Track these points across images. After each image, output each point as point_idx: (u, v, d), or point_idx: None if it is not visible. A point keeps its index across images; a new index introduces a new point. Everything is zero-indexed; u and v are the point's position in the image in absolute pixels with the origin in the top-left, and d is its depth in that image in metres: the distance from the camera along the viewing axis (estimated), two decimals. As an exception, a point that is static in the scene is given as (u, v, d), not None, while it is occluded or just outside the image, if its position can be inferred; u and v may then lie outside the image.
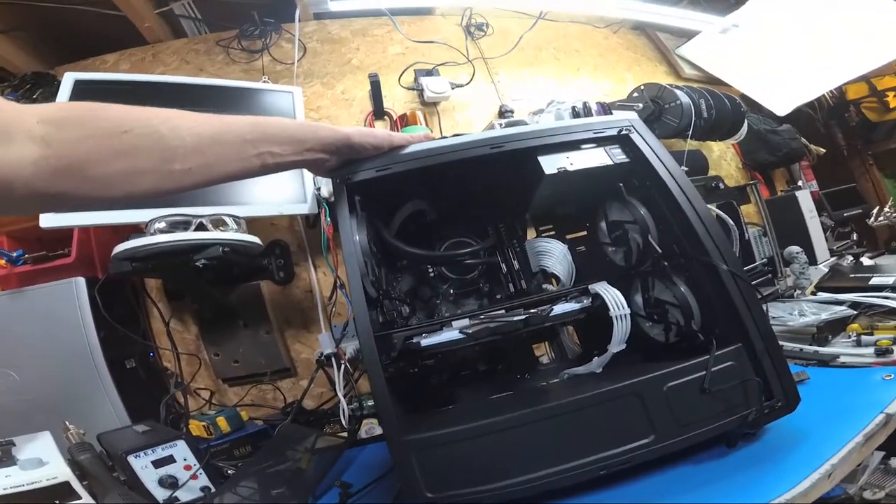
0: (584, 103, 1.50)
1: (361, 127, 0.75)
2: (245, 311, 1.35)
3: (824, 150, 2.45)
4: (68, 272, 1.15)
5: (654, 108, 1.78)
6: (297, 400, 1.30)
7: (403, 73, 1.64)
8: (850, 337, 1.05)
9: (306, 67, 1.65)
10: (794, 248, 1.53)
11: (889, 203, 2.11)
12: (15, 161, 0.40)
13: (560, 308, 0.75)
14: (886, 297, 1.15)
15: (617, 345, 0.71)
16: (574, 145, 0.80)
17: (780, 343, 0.82)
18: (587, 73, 2.07)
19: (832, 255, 1.90)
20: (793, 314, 1.15)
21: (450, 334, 0.72)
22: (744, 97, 2.33)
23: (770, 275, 1.55)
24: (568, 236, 1.02)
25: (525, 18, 1.95)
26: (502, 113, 1.71)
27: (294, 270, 1.42)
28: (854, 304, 1.20)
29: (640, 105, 1.78)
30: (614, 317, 0.71)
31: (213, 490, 0.89)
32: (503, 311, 0.75)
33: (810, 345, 1.06)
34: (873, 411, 0.73)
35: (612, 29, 2.21)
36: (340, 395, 1.20)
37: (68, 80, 1.15)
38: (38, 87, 1.44)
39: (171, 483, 0.86)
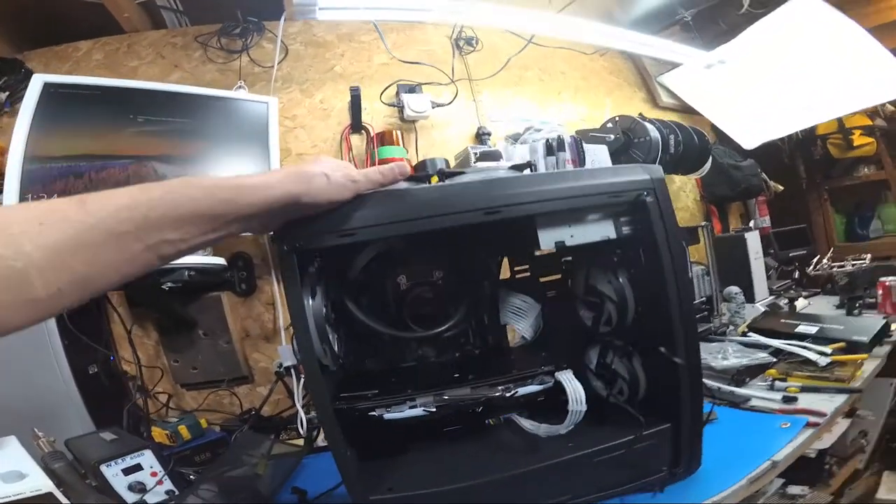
0: (559, 137, 1.54)
1: (319, 167, 0.56)
2: (205, 320, 1.37)
3: (782, 188, 2.54)
4: None
5: (625, 140, 1.83)
6: (256, 409, 1.34)
7: (386, 89, 1.64)
8: (765, 381, 1.16)
9: (286, 71, 1.62)
10: (734, 289, 1.65)
11: (828, 255, 2.24)
12: None
13: (523, 390, 0.77)
14: (804, 348, 1.27)
15: (565, 428, 0.75)
16: (580, 215, 0.75)
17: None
18: (568, 96, 2.10)
19: (771, 294, 2.02)
20: (717, 356, 1.24)
21: (413, 411, 0.75)
22: (714, 129, 2.42)
23: (707, 312, 1.64)
24: (543, 279, 0.99)
25: (515, 38, 1.95)
26: (479, 136, 1.73)
27: (256, 283, 1.44)
28: (777, 350, 1.31)
29: (612, 136, 1.83)
30: (571, 410, 0.74)
31: (177, 493, 0.94)
32: (468, 391, 0.77)
33: (728, 384, 1.16)
34: (763, 457, 0.84)
35: (599, 52, 2.23)
36: (299, 405, 1.26)
37: (37, 82, 1.12)
38: (3, 75, 1.39)
39: (139, 489, 0.92)
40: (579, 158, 1.54)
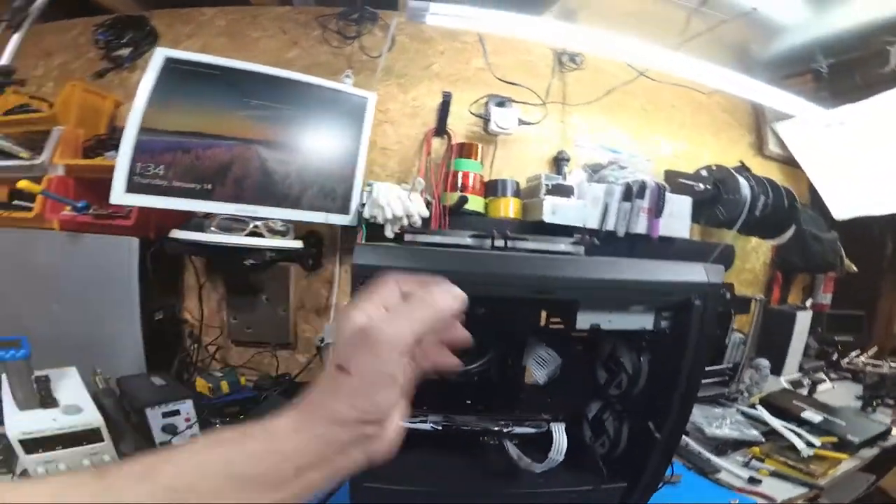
0: (641, 182, 1.49)
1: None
2: (270, 287, 1.50)
3: (856, 270, 2.33)
4: (127, 230, 1.29)
5: (714, 192, 1.75)
6: (291, 375, 1.48)
7: (476, 101, 1.65)
8: (745, 457, 1.21)
9: (389, 63, 1.67)
10: (763, 362, 1.65)
11: (870, 351, 2.11)
12: None
13: (519, 429, 0.87)
14: (797, 434, 1.30)
15: (540, 468, 0.83)
16: (624, 304, 0.78)
17: (686, 440, 1.17)
18: (670, 130, 1.99)
19: (799, 371, 1.93)
20: (713, 423, 1.29)
21: (424, 426, 0.85)
22: (810, 190, 2.24)
23: (728, 378, 1.63)
24: (575, 334, 0.99)
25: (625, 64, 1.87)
26: (558, 160, 1.71)
27: (322, 261, 1.55)
28: (772, 430, 1.34)
29: (701, 186, 1.75)
30: (550, 457, 0.81)
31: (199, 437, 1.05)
32: (474, 419, 0.87)
33: (710, 451, 1.21)
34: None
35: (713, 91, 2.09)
36: None
37: (159, 56, 1.22)
38: (129, 31, 1.52)
39: (171, 431, 1.06)
40: (657, 209, 1.49)
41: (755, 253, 2.25)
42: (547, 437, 0.84)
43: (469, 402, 0.96)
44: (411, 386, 0.40)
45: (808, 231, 2.14)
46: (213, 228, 1.19)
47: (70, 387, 1.03)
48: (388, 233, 1.28)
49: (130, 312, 1.27)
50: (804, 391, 1.74)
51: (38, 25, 1.72)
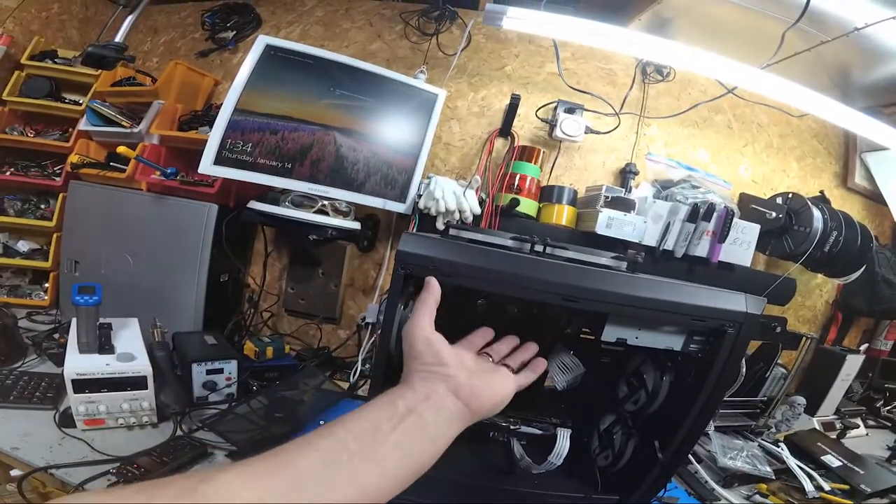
0: (710, 204, 1.44)
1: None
2: (327, 263, 1.61)
3: None
4: (209, 197, 1.41)
5: (785, 222, 1.65)
6: (329, 349, 1.58)
7: (544, 106, 1.64)
8: (751, 491, 1.19)
9: (462, 62, 1.71)
10: (798, 399, 1.58)
11: None
12: None
13: (525, 429, 0.91)
14: (809, 477, 1.26)
15: (537, 470, 0.88)
16: (655, 323, 0.78)
17: (696, 465, 1.19)
18: (752, 151, 1.87)
19: (835, 414, 1.81)
20: (728, 454, 1.27)
21: None
22: (894, 230, 2.05)
23: (759, 411, 1.56)
24: (604, 346, 1.02)
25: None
26: (625, 172, 1.68)
27: (375, 244, 1.63)
28: (786, 469, 1.30)
29: (773, 215, 1.66)
30: (549, 460, 0.86)
31: (235, 396, 1.17)
32: None
33: (717, 481, 1.19)
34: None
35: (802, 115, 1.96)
36: (360, 357, 1.47)
37: (260, 43, 1.34)
38: (234, 15, 1.66)
39: (210, 387, 1.15)
40: (721, 234, 1.43)
41: (819, 290, 2.08)
42: (552, 441, 0.88)
43: None
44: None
45: (881, 274, 1.96)
46: (287, 203, 1.30)
47: (128, 336, 1.12)
48: (439, 224, 1.34)
49: (198, 273, 1.37)
50: (834, 434, 1.67)
51: (149, 7, 1.95)
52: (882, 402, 1.99)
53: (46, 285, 1.63)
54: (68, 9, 1.95)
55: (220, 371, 1.16)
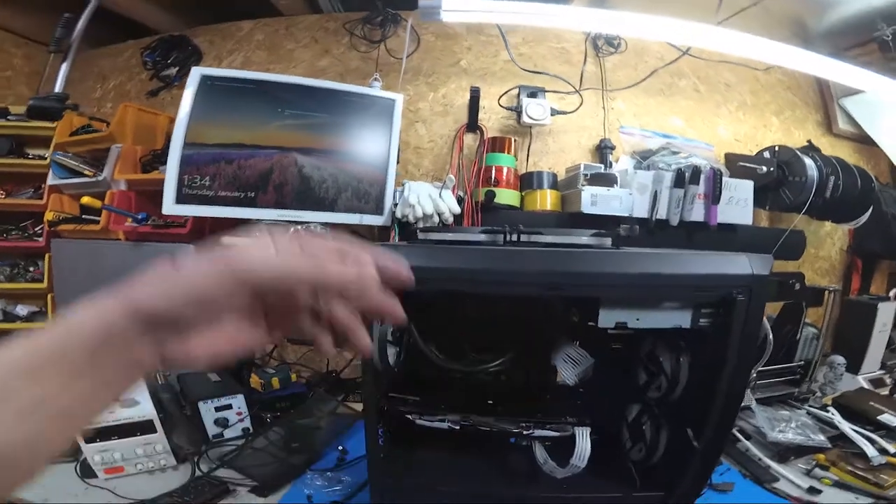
0: (694, 167, 1.35)
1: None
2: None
3: None
4: (182, 237, 1.35)
5: (778, 175, 1.57)
6: (337, 372, 1.48)
7: (506, 93, 1.56)
8: (809, 464, 1.08)
9: (416, 63, 1.63)
10: (838, 359, 1.44)
11: None
12: None
13: (540, 432, 0.81)
14: (869, 441, 1.12)
15: (562, 474, 0.79)
16: (655, 301, 0.69)
17: (745, 443, 1.09)
18: (728, 111, 1.80)
19: (881, 369, 1.66)
20: (777, 427, 1.16)
21: (442, 424, 0.81)
22: (891, 169, 1.96)
23: (798, 377, 1.43)
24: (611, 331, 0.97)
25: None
26: (601, 149, 1.59)
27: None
28: (841, 435, 1.17)
29: (764, 169, 1.57)
30: (571, 463, 0.77)
31: (251, 430, 1.13)
32: (492, 420, 0.81)
33: (772, 457, 1.09)
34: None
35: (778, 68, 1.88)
36: None
37: (195, 75, 1.27)
38: (174, 51, 1.59)
39: (222, 423, 1.11)
40: (713, 195, 1.34)
41: (830, 239, 1.98)
42: (573, 442, 0.78)
43: (490, 401, 0.89)
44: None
45: (890, 213, 1.87)
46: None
47: None
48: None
49: None
50: (885, 391, 1.52)
51: (90, 51, 1.87)
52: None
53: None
54: (11, 64, 1.88)
55: (230, 407, 1.13)
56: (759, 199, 1.52)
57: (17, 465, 0.29)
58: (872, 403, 1.31)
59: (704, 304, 0.71)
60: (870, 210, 1.72)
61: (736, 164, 1.62)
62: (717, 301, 0.69)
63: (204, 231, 1.40)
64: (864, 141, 1.96)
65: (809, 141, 1.83)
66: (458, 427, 0.79)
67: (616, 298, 0.68)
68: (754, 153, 1.73)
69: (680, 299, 0.70)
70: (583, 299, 0.71)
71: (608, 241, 0.75)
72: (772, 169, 1.56)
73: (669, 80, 1.74)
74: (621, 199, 1.29)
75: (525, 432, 0.81)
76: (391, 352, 0.82)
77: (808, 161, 1.55)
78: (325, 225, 1.31)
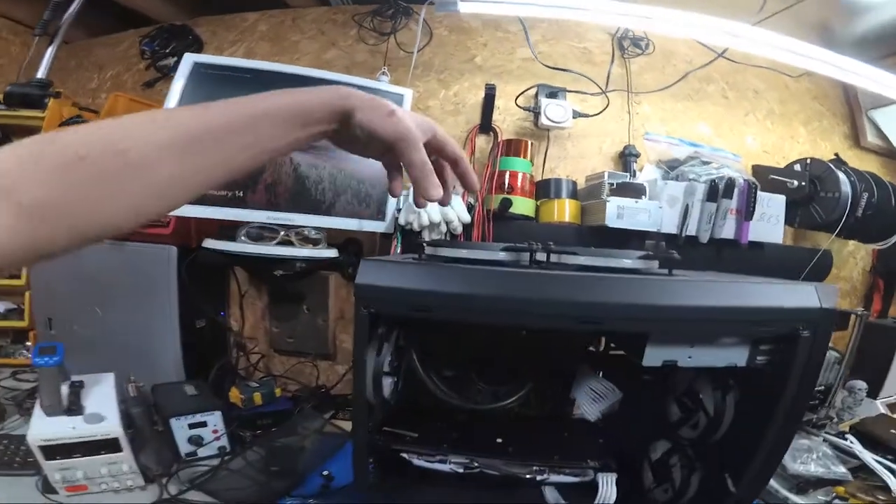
0: (728, 178, 1.24)
1: (394, 105, 0.47)
2: (311, 297, 1.40)
3: None
4: (165, 239, 1.24)
5: (809, 190, 1.45)
6: (327, 388, 1.38)
7: (524, 92, 1.44)
8: (828, 495, 1.01)
9: (427, 58, 1.52)
10: (859, 384, 1.35)
11: None
12: None
13: (555, 478, 0.70)
14: (890, 472, 1.04)
15: None
16: (711, 336, 0.59)
17: None
18: (756, 120, 1.68)
19: None
20: (799, 458, 1.05)
21: (443, 466, 0.69)
22: None
23: (817, 402, 1.32)
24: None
25: (699, 46, 1.60)
26: (625, 156, 1.47)
27: (362, 271, 1.42)
28: (861, 466, 1.09)
29: (795, 183, 1.45)
30: None
31: (228, 450, 1.04)
32: (501, 464, 0.70)
33: (791, 489, 1.00)
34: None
35: (801, 74, 1.77)
36: None
37: (187, 62, 1.15)
38: (174, 40, 1.49)
39: (196, 442, 1.02)
40: (746, 210, 1.22)
41: (853, 259, 1.86)
42: (593, 484, 0.68)
43: (500, 440, 0.78)
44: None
45: (918, 232, 1.76)
46: (243, 237, 1.09)
47: (101, 394, 1.01)
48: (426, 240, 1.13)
49: (169, 320, 1.23)
50: None
51: (88, 40, 1.78)
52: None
53: (28, 343, 1.51)
54: (7, 51, 1.78)
55: (204, 424, 1.03)
56: (788, 216, 1.40)
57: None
58: (894, 431, 1.21)
59: (764, 339, 0.61)
60: (901, 231, 1.60)
61: (766, 177, 1.50)
62: (779, 337, 0.60)
63: (189, 232, 1.28)
64: (891, 156, 1.84)
65: (837, 154, 1.71)
66: (461, 471, 0.68)
67: (667, 334, 0.57)
68: (781, 165, 1.61)
69: (739, 335, 0.59)
70: (626, 334, 0.59)
71: (655, 264, 0.63)
72: (803, 183, 1.45)
73: (698, 86, 1.62)
74: (650, 213, 1.17)
75: (539, 477, 0.71)
76: (387, 382, 0.71)
77: (842, 176, 1.43)
78: (320, 230, 1.19)
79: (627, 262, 0.61)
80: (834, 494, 1.00)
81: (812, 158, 1.49)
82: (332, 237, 1.27)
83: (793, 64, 1.53)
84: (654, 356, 0.59)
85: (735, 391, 0.69)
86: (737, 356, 0.62)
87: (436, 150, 0.49)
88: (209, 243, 1.13)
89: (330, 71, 1.43)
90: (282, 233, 1.11)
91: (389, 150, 0.46)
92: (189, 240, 1.29)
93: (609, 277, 0.54)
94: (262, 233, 1.11)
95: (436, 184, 0.46)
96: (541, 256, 0.62)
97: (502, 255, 0.63)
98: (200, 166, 0.40)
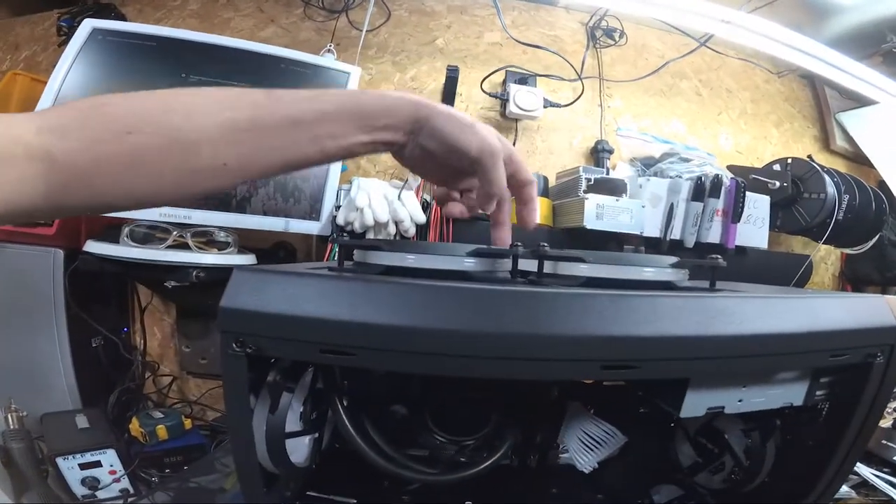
0: (716, 176, 1.07)
1: (473, 118, 0.40)
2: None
3: None
4: (48, 240, 0.98)
5: (792, 191, 1.30)
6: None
7: (492, 74, 1.24)
8: None
9: (383, 38, 1.30)
10: None
11: None
12: (15, 186, 0.31)
13: None
14: (892, 486, 0.89)
15: None
16: (767, 372, 0.42)
17: None
18: (728, 119, 1.56)
19: None
20: None
21: None
22: (882, 189, 1.79)
23: None
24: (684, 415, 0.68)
25: (674, 36, 1.45)
26: (597, 152, 1.28)
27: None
28: (863, 482, 0.92)
29: (777, 183, 1.30)
30: None
31: (132, 493, 0.86)
32: None
33: None
34: None
35: (778, 72, 1.66)
36: None
37: (85, 28, 0.92)
38: (95, 18, 1.21)
39: (92, 485, 0.85)
40: (733, 211, 1.06)
41: (824, 263, 1.77)
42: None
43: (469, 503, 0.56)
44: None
45: (886, 237, 1.67)
46: (125, 238, 0.81)
47: None
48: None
49: (56, 337, 0.99)
50: (887, 423, 1.30)
51: (9, 20, 1.51)
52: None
53: None
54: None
55: (98, 465, 0.84)
56: (771, 219, 1.26)
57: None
58: (884, 441, 1.07)
59: (827, 370, 0.44)
60: (878, 236, 1.50)
61: (746, 178, 1.35)
62: (846, 367, 0.42)
63: (79, 233, 1.00)
64: (858, 160, 1.76)
65: (810, 156, 1.60)
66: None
67: (716, 374, 0.36)
68: (756, 166, 1.48)
69: (803, 368, 0.40)
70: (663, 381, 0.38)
71: (685, 276, 0.42)
72: (786, 184, 1.30)
73: (671, 81, 1.47)
74: (632, 213, 0.98)
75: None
76: (301, 443, 0.46)
77: (827, 177, 1.30)
78: (230, 231, 0.93)
79: (648, 274, 0.39)
80: (841, 513, 0.86)
81: (793, 158, 1.36)
82: (255, 240, 1.00)
83: (775, 56, 1.41)
84: (696, 404, 0.40)
85: (778, 434, 0.49)
86: (794, 395, 0.44)
87: (509, 172, 0.42)
88: (90, 246, 0.85)
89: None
90: (174, 233, 0.83)
91: (465, 170, 0.41)
92: (77, 241, 1.01)
93: (644, 297, 0.32)
94: (152, 233, 0.83)
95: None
96: (527, 265, 0.39)
97: (470, 264, 0.39)
98: (254, 155, 0.37)
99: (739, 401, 0.41)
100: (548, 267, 0.39)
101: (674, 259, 0.42)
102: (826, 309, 0.40)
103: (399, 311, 0.32)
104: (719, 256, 0.42)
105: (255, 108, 0.37)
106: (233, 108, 0.36)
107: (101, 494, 0.85)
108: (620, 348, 0.31)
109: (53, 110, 0.35)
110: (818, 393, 0.45)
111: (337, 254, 0.71)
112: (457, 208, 0.46)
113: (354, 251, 0.43)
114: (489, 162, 0.39)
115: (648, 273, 0.40)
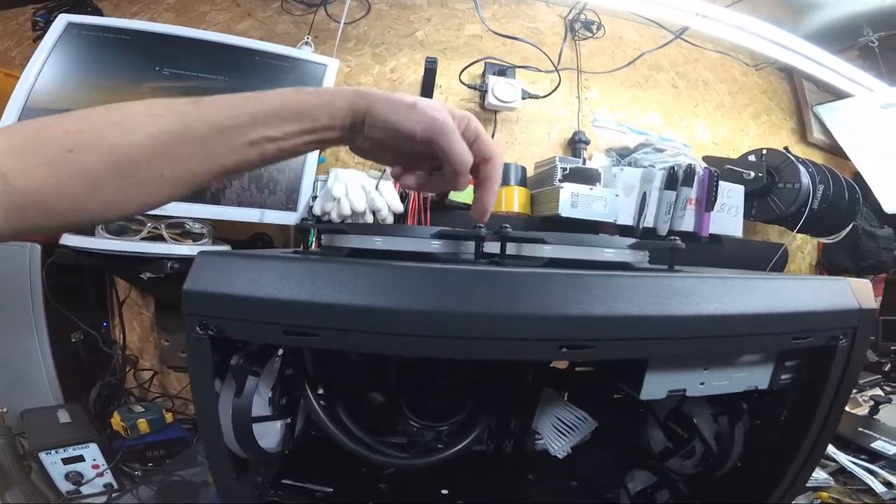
0: (689, 166, 1.09)
1: (414, 97, 0.39)
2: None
3: None
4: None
5: (767, 181, 1.33)
6: None
7: (471, 65, 1.24)
8: (808, 500, 0.90)
9: (362, 31, 1.29)
10: None
11: None
12: None
13: None
14: (872, 474, 0.94)
15: None
16: (730, 354, 0.44)
17: None
18: (705, 112, 1.58)
19: (854, 389, 1.45)
20: None
21: None
22: (857, 181, 1.83)
23: None
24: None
25: (651, 28, 1.47)
26: (574, 143, 1.30)
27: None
28: (840, 469, 0.98)
29: (752, 173, 1.33)
30: None
31: (115, 487, 0.87)
32: None
33: None
34: None
35: (755, 65, 1.68)
36: None
37: (60, 22, 0.91)
38: (71, 13, 1.19)
39: (75, 480, 0.85)
40: (707, 200, 1.07)
41: (801, 253, 1.81)
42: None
43: (445, 491, 0.58)
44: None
45: (861, 227, 1.71)
46: (100, 230, 0.81)
47: None
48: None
49: (36, 333, 0.99)
50: (863, 411, 1.30)
51: None
52: (889, 367, 1.70)
53: None
54: None
55: (80, 459, 0.85)
56: (745, 208, 1.29)
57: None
58: (861, 429, 1.13)
59: (792, 354, 0.44)
60: (852, 224, 1.54)
61: (721, 168, 1.37)
62: (811, 350, 0.44)
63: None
64: (834, 152, 1.80)
65: (786, 148, 1.63)
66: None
67: (674, 356, 0.37)
68: (733, 157, 1.51)
69: (768, 349, 0.41)
70: (621, 362, 0.39)
71: (646, 258, 0.43)
72: (760, 174, 1.33)
73: (647, 73, 1.49)
74: (606, 201, 0.99)
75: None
76: (272, 429, 0.47)
77: (801, 167, 1.32)
78: (203, 223, 0.92)
79: (609, 254, 0.40)
80: (819, 501, 0.89)
81: (768, 149, 1.38)
82: (232, 232, 1.00)
83: (753, 50, 1.43)
84: (655, 387, 0.40)
85: (746, 417, 0.51)
86: (759, 378, 0.46)
87: (469, 141, 0.40)
88: (66, 239, 0.85)
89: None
90: (149, 224, 0.82)
91: (423, 151, 0.39)
92: (54, 235, 1.00)
93: (600, 276, 0.33)
94: (127, 225, 0.82)
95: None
96: (491, 247, 0.40)
97: (435, 246, 0.40)
98: (190, 164, 0.37)
99: (701, 383, 0.42)
100: (512, 249, 0.40)
101: (633, 241, 0.43)
102: (787, 291, 0.41)
103: (361, 291, 0.32)
104: (678, 238, 0.43)
105: (183, 117, 0.36)
106: (163, 119, 0.36)
107: (84, 489, 0.85)
108: (577, 327, 0.31)
109: (3, 132, 0.35)
110: (784, 377, 0.46)
111: (314, 240, 0.71)
112: (412, 180, 0.44)
113: (322, 236, 0.43)
114: (440, 140, 0.37)
115: (609, 254, 0.41)
